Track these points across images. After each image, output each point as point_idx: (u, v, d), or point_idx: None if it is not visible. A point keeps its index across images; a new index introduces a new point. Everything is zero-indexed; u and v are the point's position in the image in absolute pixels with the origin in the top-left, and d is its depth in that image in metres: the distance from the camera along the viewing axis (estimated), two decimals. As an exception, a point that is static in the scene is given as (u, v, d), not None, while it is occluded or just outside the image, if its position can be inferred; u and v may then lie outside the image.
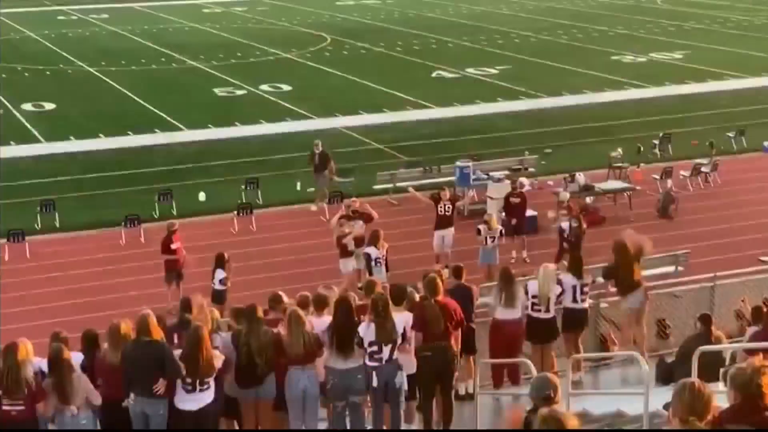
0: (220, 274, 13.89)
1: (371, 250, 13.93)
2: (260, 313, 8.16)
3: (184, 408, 7.54)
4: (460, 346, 9.01)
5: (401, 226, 17.50)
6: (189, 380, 7.49)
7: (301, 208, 20.23)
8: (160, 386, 7.51)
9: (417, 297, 8.64)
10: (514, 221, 17.14)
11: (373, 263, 13.94)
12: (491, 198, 19.26)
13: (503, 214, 18.06)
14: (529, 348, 10.54)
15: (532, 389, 5.31)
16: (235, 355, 8.00)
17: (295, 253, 17.51)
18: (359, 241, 14.45)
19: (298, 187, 21.55)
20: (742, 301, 10.93)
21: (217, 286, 13.89)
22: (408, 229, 17.63)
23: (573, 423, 3.64)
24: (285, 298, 8.91)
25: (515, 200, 17.23)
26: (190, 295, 9.19)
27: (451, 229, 16.27)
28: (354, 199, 16.33)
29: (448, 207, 16.25)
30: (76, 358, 7.89)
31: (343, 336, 8.04)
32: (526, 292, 10.33)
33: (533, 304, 10.31)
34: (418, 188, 19.27)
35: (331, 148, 22.40)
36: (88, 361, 7.93)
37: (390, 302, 8.14)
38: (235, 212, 19.03)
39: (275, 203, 20.41)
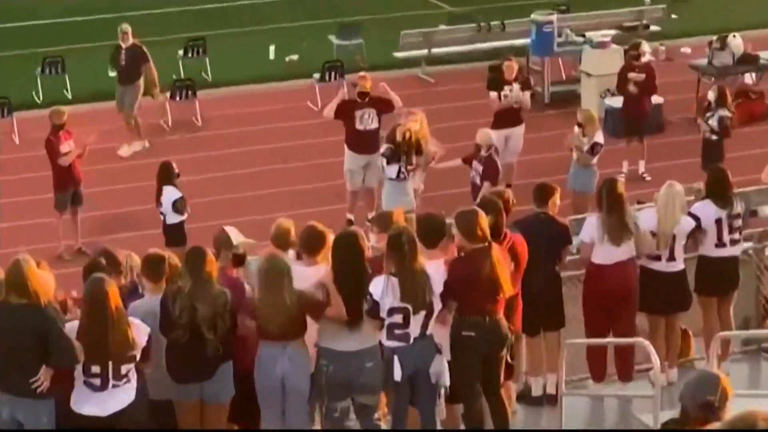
0: (171, 194, 13.72)
1: (386, 147, 14.04)
2: (210, 264, 8.10)
3: (86, 413, 7.63)
4: (519, 322, 9.15)
5: (441, 118, 17.31)
6: (95, 369, 7.57)
7: (279, 88, 20.16)
8: (42, 378, 7.54)
9: (456, 239, 8.57)
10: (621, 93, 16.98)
11: (395, 175, 13.99)
12: (588, 75, 19.06)
13: (608, 99, 17.74)
14: (646, 323, 10.53)
15: (686, 390, 5.41)
16: (166, 328, 8.02)
17: (271, 161, 17.57)
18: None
19: (272, 54, 21.33)
20: None
21: (170, 217, 13.77)
22: (452, 123, 17.41)
23: None
24: (236, 236, 8.90)
25: (637, 77, 16.98)
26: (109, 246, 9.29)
27: (519, 129, 16.19)
28: (363, 74, 16.14)
29: (517, 95, 16.07)
30: None
31: (347, 297, 8.04)
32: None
33: (649, 247, 10.39)
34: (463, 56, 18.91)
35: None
36: None
37: (420, 243, 8.12)
38: (168, 94, 19.11)
39: (229, 80, 20.38)
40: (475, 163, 14.18)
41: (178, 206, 13.49)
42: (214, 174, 16.90)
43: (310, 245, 8.49)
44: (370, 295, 7.99)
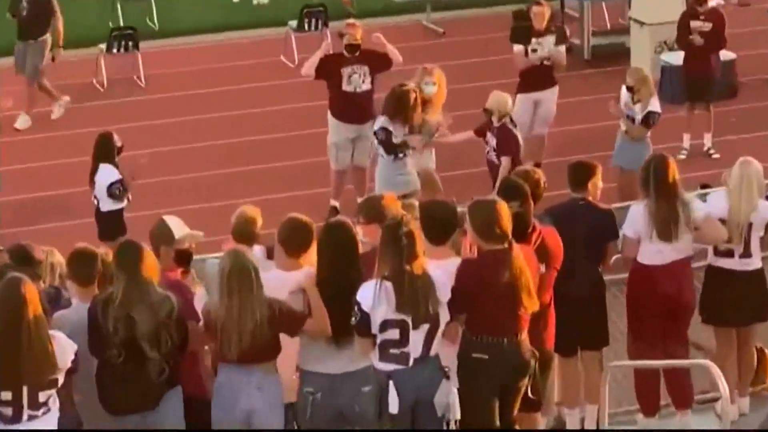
0: (107, 174, 13.66)
1: (388, 124, 13.89)
2: (148, 261, 8.09)
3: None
4: (551, 339, 9.13)
5: (451, 78, 17.15)
6: (5, 396, 7.50)
7: (244, 40, 20.37)
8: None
9: (468, 236, 8.56)
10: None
11: (392, 154, 13.97)
12: (640, 23, 19.15)
13: (665, 55, 17.79)
14: (712, 340, 10.58)
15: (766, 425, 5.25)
16: (96, 346, 8.00)
17: (234, 133, 17.64)
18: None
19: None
20: None
21: (105, 203, 13.74)
22: (465, 84, 17.38)
23: None
24: (179, 228, 8.86)
25: (702, 26, 16.95)
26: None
27: (552, 92, 16.19)
28: (352, 21, 16.12)
29: (548, 48, 16.04)
30: None
31: (334, 305, 8.07)
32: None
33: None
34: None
35: None
36: None
37: (422, 236, 8.13)
38: (104, 46, 19.17)
39: (181, 29, 20.60)
40: (488, 135, 14.16)
41: (114, 190, 13.45)
42: (160, 148, 16.86)
43: (293, 243, 8.45)
44: (358, 304, 7.96)
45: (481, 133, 14.24)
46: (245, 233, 8.96)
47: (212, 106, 18.37)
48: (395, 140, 13.91)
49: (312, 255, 8.30)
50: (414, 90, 13.90)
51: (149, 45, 19.73)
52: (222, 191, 15.38)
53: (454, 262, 8.27)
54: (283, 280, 8.22)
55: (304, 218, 8.50)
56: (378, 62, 15.13)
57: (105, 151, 13.54)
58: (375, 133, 14.04)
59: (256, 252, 8.92)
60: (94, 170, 13.52)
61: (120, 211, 13.57)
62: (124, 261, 8.04)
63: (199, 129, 17.73)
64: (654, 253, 9.94)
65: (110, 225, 13.46)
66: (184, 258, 8.84)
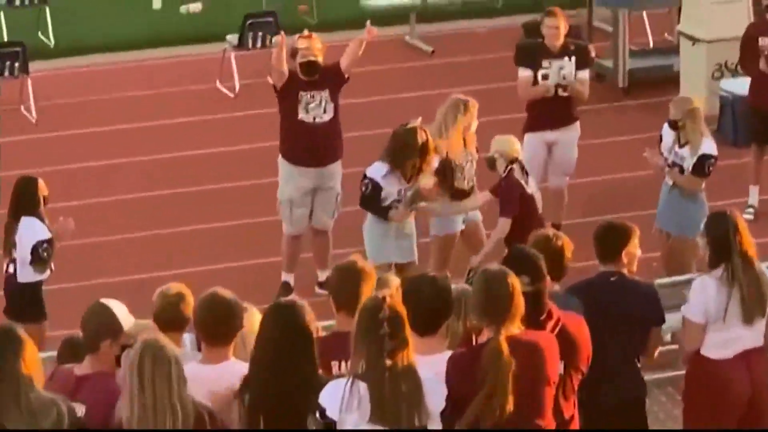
0: (34, 231, 13.47)
1: (382, 176, 14.01)
2: (28, 353, 7.97)
3: None
4: None
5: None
6: None
7: (170, 60, 20.61)
8: None
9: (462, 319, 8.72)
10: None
11: (368, 211, 14.18)
12: (692, 40, 19.29)
13: (724, 82, 17.91)
14: None
15: None
16: None
17: (155, 183, 17.72)
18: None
19: (158, 3, 21.53)
20: None
21: (24, 271, 13.62)
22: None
23: None
24: (125, 317, 8.76)
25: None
26: None
27: (571, 132, 16.33)
28: (306, 33, 16.08)
29: (565, 74, 16.12)
30: None
31: (281, 413, 8.15)
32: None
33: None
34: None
35: None
36: None
37: (409, 325, 8.09)
38: None
39: (85, 45, 20.78)
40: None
41: (42, 253, 13.41)
42: (57, 204, 16.57)
43: (213, 327, 8.54)
44: (321, 410, 8.01)
45: (497, 192, 14.34)
46: (170, 317, 8.93)
47: (126, 148, 18.46)
48: (383, 200, 14.05)
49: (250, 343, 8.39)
50: (422, 129, 13.95)
51: (42, 66, 19.90)
52: (140, 261, 15.51)
53: (445, 355, 8.33)
54: (207, 377, 8.30)
55: (227, 294, 8.57)
56: (334, 80, 15.25)
57: (29, 200, 13.60)
58: (362, 180, 14.12)
59: (185, 342, 8.98)
60: (10, 226, 13.57)
61: (40, 283, 13.62)
62: None
63: (109, 178, 17.87)
64: (726, 341, 10.07)
65: (26, 300, 13.57)
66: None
